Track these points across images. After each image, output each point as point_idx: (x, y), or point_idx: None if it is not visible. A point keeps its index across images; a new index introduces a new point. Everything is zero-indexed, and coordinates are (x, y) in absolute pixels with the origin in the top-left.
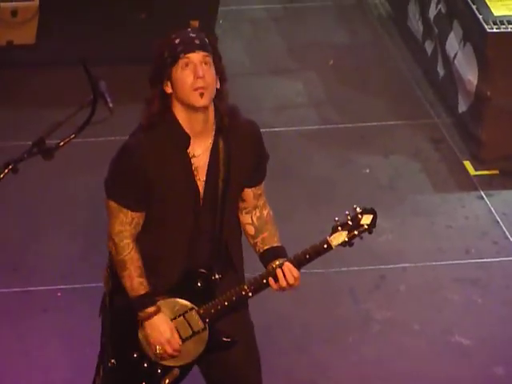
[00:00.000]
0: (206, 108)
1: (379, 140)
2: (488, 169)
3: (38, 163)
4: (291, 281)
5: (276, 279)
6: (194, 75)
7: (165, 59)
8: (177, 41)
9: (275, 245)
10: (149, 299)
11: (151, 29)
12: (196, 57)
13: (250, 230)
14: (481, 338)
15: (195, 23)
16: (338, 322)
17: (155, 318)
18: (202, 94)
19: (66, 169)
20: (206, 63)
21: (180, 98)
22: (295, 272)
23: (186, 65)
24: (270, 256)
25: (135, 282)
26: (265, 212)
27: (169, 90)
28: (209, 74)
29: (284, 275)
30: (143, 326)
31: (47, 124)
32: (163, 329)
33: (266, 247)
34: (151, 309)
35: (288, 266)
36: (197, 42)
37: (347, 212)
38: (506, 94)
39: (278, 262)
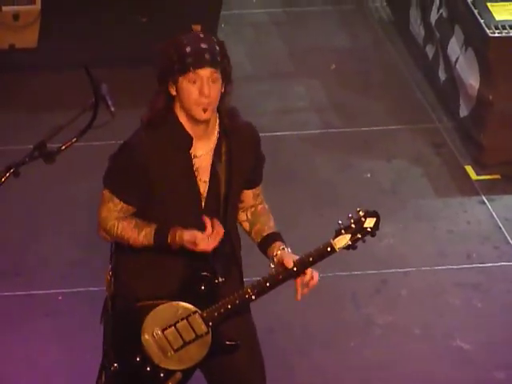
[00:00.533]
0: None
1: (381, 144)
2: (489, 173)
3: (39, 167)
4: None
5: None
6: (199, 92)
7: (173, 63)
8: (187, 49)
9: (265, 233)
10: (161, 236)
11: (153, 32)
12: (204, 73)
13: (246, 226)
14: (482, 342)
15: (197, 27)
16: (340, 326)
17: (178, 236)
18: (205, 110)
19: (67, 172)
20: (213, 80)
21: (183, 107)
22: (314, 277)
23: (194, 81)
24: (265, 245)
25: (142, 239)
26: (259, 207)
27: (173, 92)
28: (214, 91)
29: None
30: (179, 244)
31: (48, 127)
32: (190, 234)
33: (259, 239)
34: (170, 238)
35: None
36: (207, 56)
37: (350, 215)
38: (507, 98)
39: (275, 253)
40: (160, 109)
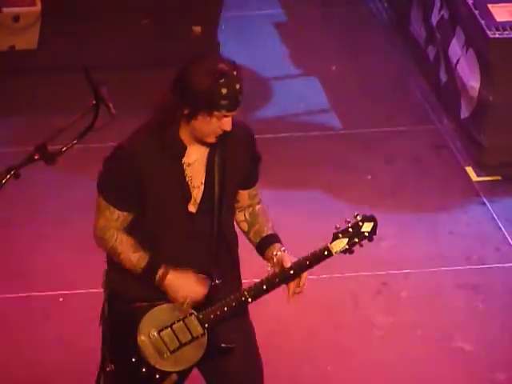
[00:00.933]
0: None
1: (381, 146)
2: (490, 175)
3: (40, 169)
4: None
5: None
6: (220, 127)
7: (201, 94)
8: (224, 91)
9: (264, 234)
10: (153, 265)
11: (153, 35)
12: (233, 114)
13: (244, 226)
14: (482, 343)
15: (197, 28)
16: (340, 328)
17: (168, 277)
18: (217, 138)
19: (68, 174)
20: (234, 115)
21: (194, 131)
22: (303, 283)
23: (220, 119)
24: (264, 246)
25: (133, 259)
26: (257, 207)
27: (186, 112)
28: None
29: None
30: (164, 288)
31: (49, 129)
32: (181, 283)
33: (258, 240)
34: (160, 271)
35: (295, 283)
36: (239, 98)
37: (348, 219)
38: (508, 99)
39: (274, 252)
40: (166, 120)
